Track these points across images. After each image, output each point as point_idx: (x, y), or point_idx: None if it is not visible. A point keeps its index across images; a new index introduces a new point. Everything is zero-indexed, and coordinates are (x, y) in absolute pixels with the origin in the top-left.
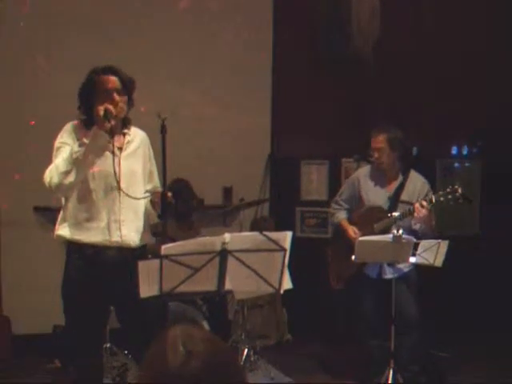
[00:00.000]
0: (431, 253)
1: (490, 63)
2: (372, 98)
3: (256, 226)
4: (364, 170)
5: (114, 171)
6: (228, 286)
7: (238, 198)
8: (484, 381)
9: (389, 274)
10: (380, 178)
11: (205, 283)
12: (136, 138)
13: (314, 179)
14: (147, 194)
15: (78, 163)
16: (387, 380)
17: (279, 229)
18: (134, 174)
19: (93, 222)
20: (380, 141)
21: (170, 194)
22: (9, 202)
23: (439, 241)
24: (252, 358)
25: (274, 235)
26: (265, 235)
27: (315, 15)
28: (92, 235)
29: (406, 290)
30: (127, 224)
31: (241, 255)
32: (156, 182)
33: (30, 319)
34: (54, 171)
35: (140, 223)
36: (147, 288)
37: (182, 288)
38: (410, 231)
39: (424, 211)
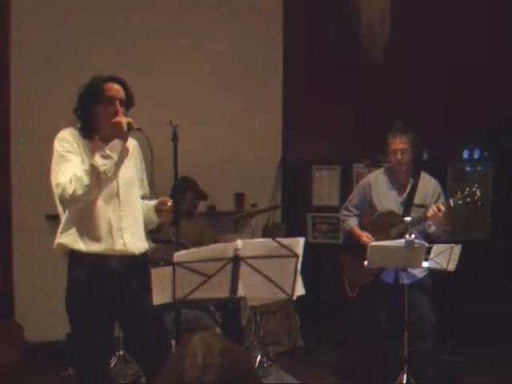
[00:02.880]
0: (444, 257)
1: (501, 65)
2: (383, 102)
3: (268, 232)
4: (375, 175)
5: (118, 180)
6: (241, 292)
7: (250, 203)
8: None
9: (405, 280)
10: (391, 182)
11: (217, 290)
12: (129, 146)
13: (325, 184)
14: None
15: (106, 177)
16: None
17: (291, 235)
18: (131, 181)
19: (95, 230)
20: (404, 141)
21: (170, 202)
22: (21, 211)
23: (452, 245)
24: (265, 365)
25: (286, 241)
26: (277, 241)
27: (325, 17)
28: (95, 244)
29: (422, 295)
30: (129, 231)
31: (253, 262)
32: (146, 188)
33: (42, 326)
34: (78, 183)
35: (140, 230)
36: (160, 295)
37: (195, 295)
38: (425, 235)
39: (440, 214)
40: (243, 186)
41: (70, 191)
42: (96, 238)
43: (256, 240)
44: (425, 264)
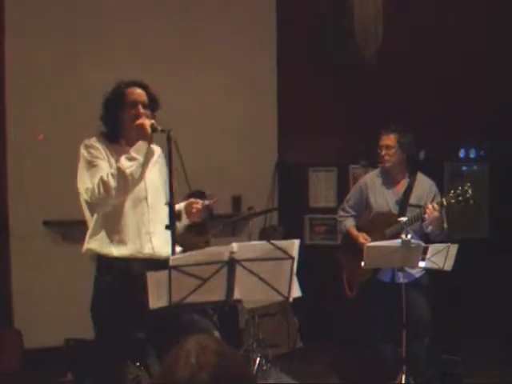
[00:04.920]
0: (441, 257)
1: (496, 64)
2: (378, 103)
3: (265, 234)
4: (371, 175)
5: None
6: (237, 295)
7: (247, 206)
8: (496, 382)
9: (401, 279)
10: (387, 182)
11: (214, 293)
12: (155, 153)
13: (322, 186)
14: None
15: (133, 178)
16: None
17: (288, 237)
18: (157, 186)
19: (123, 234)
20: (391, 139)
21: (207, 202)
22: (19, 217)
23: (448, 244)
24: (264, 367)
25: (281, 244)
26: (272, 244)
27: (319, 18)
28: (123, 248)
29: (418, 295)
30: (157, 235)
31: (249, 264)
32: (167, 195)
33: (41, 333)
34: (105, 187)
35: (167, 234)
36: (156, 299)
37: (191, 298)
38: (421, 235)
39: (436, 213)
40: (240, 189)
41: (97, 195)
42: (124, 242)
43: (251, 243)
44: (421, 264)
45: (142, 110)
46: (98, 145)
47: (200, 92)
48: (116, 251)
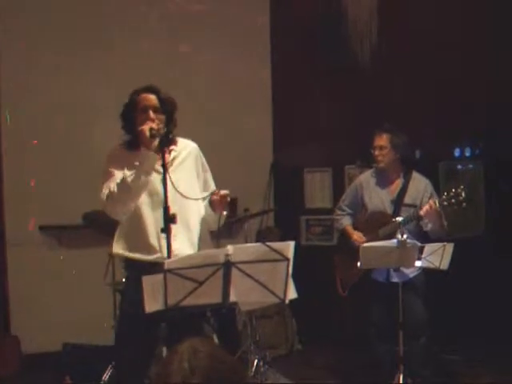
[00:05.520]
0: (437, 256)
1: (490, 63)
2: (373, 104)
3: (261, 236)
4: (366, 175)
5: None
6: (233, 297)
7: (243, 208)
8: (495, 382)
9: (395, 278)
10: (382, 181)
11: (209, 296)
12: (182, 151)
13: (317, 187)
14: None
15: (133, 186)
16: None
17: (285, 238)
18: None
19: (145, 239)
20: (383, 139)
21: (226, 192)
22: (14, 223)
23: (444, 243)
24: (262, 369)
25: (276, 245)
26: (268, 246)
27: (313, 21)
28: (146, 253)
29: (413, 295)
30: (179, 238)
31: (244, 266)
32: (212, 189)
33: (38, 338)
34: (112, 197)
35: (192, 235)
36: (152, 302)
37: (188, 301)
38: (415, 234)
39: (433, 210)
40: (236, 191)
41: (105, 203)
42: (146, 246)
43: (247, 245)
44: (418, 263)
45: (151, 114)
46: (117, 153)
47: (195, 94)
48: (138, 256)
